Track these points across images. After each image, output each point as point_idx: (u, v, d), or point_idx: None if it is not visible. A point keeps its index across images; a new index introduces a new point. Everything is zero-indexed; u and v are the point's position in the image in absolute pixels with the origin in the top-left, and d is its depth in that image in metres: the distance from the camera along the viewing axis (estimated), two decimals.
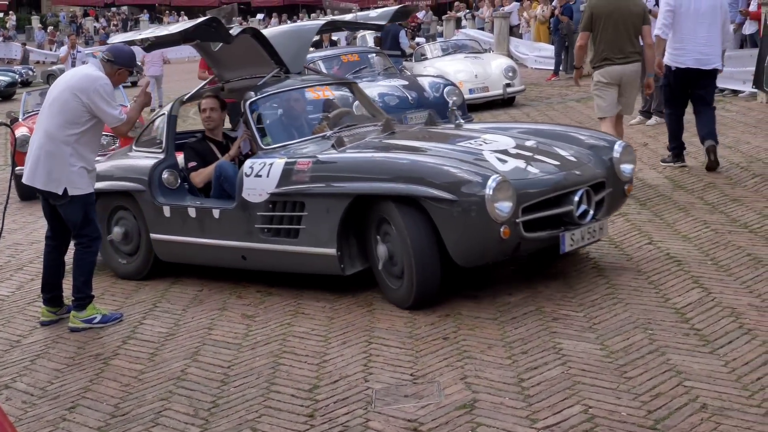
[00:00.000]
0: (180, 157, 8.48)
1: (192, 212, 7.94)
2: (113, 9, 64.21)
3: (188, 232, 7.99)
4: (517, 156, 6.96)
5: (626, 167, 7.35)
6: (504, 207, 6.34)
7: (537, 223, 6.65)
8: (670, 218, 8.59)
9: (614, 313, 6.31)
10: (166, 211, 8.11)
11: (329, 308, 7.07)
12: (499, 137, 7.40)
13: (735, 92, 15.87)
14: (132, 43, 8.19)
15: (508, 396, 5.23)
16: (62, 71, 22.30)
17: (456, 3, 39.05)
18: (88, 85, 7.05)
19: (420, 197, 6.51)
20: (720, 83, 15.85)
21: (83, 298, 7.29)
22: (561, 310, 6.48)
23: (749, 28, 16.18)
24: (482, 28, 32.36)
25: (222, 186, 7.91)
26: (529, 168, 6.82)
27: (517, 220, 6.45)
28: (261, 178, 7.38)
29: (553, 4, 24.83)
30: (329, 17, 10.82)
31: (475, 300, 6.84)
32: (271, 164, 7.39)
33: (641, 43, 9.95)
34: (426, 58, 20.21)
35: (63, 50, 24.02)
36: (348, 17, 10.40)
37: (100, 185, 8.20)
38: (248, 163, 7.58)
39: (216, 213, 7.72)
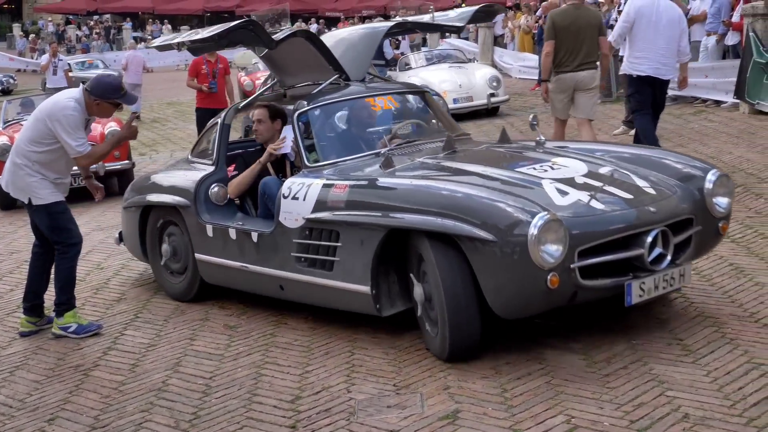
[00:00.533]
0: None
1: (232, 233, 7.27)
2: (95, 17, 64.02)
3: (229, 255, 7.35)
4: (582, 187, 5.98)
5: (721, 201, 6.32)
6: (552, 251, 5.39)
7: (600, 269, 5.70)
8: None
9: (597, 324, 6.31)
10: (209, 230, 7.48)
11: (312, 319, 7.03)
12: (571, 162, 6.44)
13: (717, 103, 15.93)
14: (169, 46, 7.91)
15: (491, 406, 5.21)
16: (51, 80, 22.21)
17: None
18: (54, 113, 7.08)
19: (455, 235, 5.65)
20: (702, 94, 16.06)
21: (59, 305, 7.28)
22: (545, 320, 6.46)
23: (732, 38, 16.24)
24: (467, 38, 32.41)
25: (267, 205, 7.21)
26: (593, 203, 5.80)
27: (572, 266, 5.49)
28: (297, 201, 6.67)
29: (538, 14, 24.88)
30: (400, 18, 9.37)
31: None
32: (309, 186, 6.67)
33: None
34: (410, 68, 20.21)
35: (44, 58, 23.94)
36: (425, 18, 9.38)
37: (150, 197, 8.11)
38: (288, 183, 6.88)
39: (254, 236, 7.05)
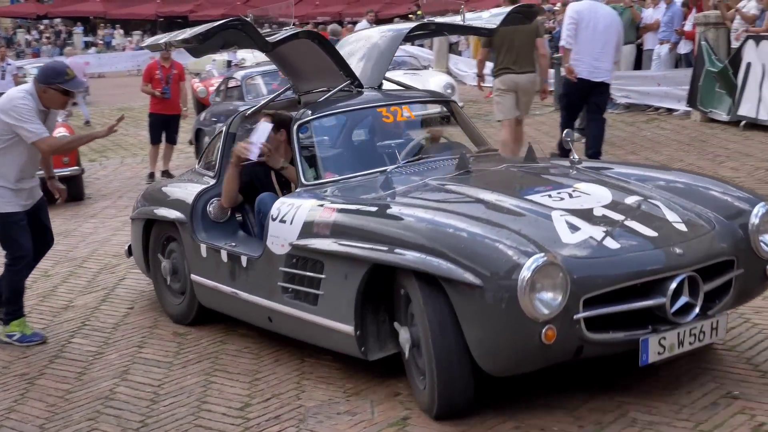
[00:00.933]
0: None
1: (224, 256, 6.63)
2: (45, 21, 63.36)
3: (221, 279, 6.70)
4: (599, 221, 5.16)
5: None
6: (547, 299, 4.61)
7: (613, 320, 4.88)
8: None
9: None
10: (203, 250, 6.84)
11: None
12: (595, 188, 5.64)
13: (670, 110, 16.09)
14: (158, 46, 7.42)
15: None
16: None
17: (396, 19, 39.15)
18: (5, 106, 6.93)
19: (437, 275, 4.88)
20: (655, 102, 16.20)
21: (6, 314, 7.20)
22: None
23: (684, 47, 16.40)
24: (422, 45, 32.45)
25: (263, 224, 6.37)
26: (608, 241, 4.96)
27: (576, 317, 4.69)
28: (285, 224, 5.98)
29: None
30: (425, 19, 8.12)
31: None
32: (298, 207, 5.98)
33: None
34: None
35: None
36: (456, 19, 8.05)
37: (154, 209, 7.51)
38: (278, 203, 6.19)
39: (244, 261, 6.42)
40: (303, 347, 6.40)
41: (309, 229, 5.80)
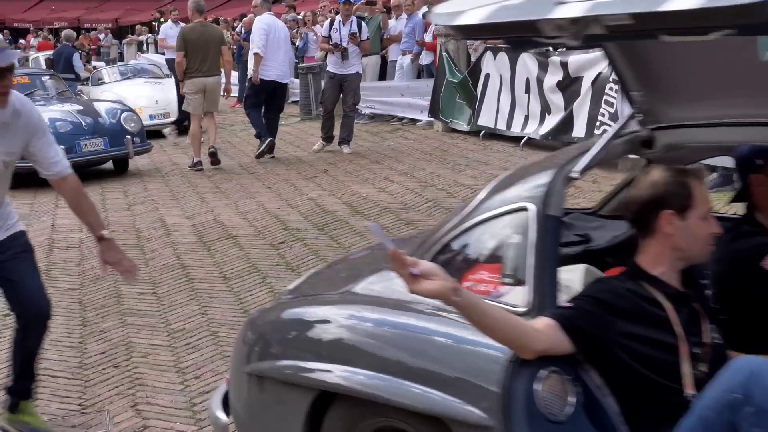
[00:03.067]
0: None
1: None
2: None
3: None
4: None
5: None
6: None
7: None
8: (347, 242, 8.65)
9: None
10: None
11: None
12: None
13: (413, 121, 16.41)
14: (483, 27, 3.06)
15: (179, 421, 5.10)
16: None
17: (138, 26, 38.32)
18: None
19: None
20: (398, 112, 16.58)
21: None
22: (234, 334, 6.33)
23: (426, 58, 16.75)
24: (163, 53, 31.92)
25: None
26: None
27: None
28: None
29: (237, 30, 24.86)
30: None
31: (148, 327, 6.61)
32: None
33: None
34: (104, 83, 19.53)
35: None
36: None
37: (336, 375, 3.37)
38: None
39: None
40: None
41: None
